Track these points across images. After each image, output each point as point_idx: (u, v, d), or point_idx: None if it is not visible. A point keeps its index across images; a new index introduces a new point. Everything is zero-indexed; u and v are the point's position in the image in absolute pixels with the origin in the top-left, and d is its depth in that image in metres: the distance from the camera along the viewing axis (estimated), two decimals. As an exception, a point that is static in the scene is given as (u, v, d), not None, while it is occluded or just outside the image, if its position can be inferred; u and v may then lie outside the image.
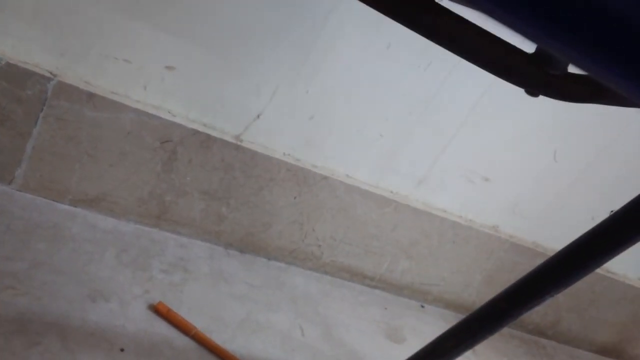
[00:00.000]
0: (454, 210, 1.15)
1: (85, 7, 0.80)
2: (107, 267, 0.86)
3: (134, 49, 0.85)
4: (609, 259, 0.65)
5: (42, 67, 0.83)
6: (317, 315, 1.02)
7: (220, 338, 0.85)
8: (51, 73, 0.83)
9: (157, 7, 0.83)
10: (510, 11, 0.22)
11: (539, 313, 1.30)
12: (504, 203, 1.16)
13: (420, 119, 1.02)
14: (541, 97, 0.52)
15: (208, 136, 0.93)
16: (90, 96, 0.85)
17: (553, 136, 1.10)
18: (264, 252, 1.07)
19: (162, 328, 0.82)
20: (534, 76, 0.48)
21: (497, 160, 1.10)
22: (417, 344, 0.90)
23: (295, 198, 1.03)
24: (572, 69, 0.48)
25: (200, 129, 0.93)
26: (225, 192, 0.99)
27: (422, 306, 1.21)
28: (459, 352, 0.79)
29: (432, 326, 1.16)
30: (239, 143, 0.96)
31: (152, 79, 0.88)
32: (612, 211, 0.65)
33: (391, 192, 1.09)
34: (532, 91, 0.51)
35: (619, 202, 0.65)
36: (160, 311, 0.83)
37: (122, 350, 0.76)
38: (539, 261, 0.74)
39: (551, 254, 0.72)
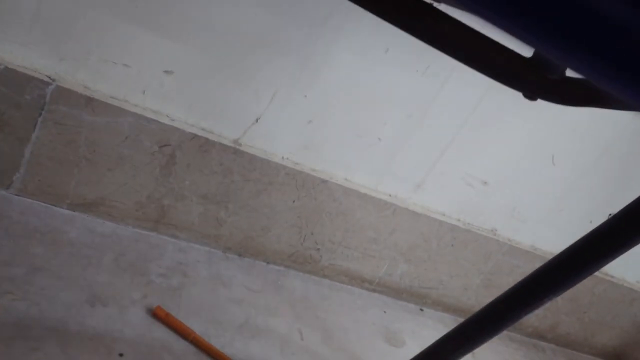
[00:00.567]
0: (453, 214, 1.15)
1: (84, 12, 0.81)
2: (105, 272, 0.86)
3: (132, 54, 0.85)
4: (608, 262, 0.65)
5: (41, 72, 0.83)
6: (316, 319, 1.02)
7: (219, 342, 0.85)
8: (50, 78, 0.83)
9: (156, 12, 0.83)
10: (508, 16, 0.22)
11: (538, 316, 1.30)
12: (503, 206, 1.17)
13: (419, 123, 1.02)
14: (539, 100, 0.52)
15: (207, 140, 0.93)
16: (89, 101, 0.85)
17: (551, 140, 1.11)
18: (263, 255, 1.07)
19: (161, 332, 0.82)
20: (532, 80, 0.48)
21: (495, 163, 1.11)
22: (416, 348, 0.90)
23: (294, 202, 1.03)
24: (569, 72, 0.48)
25: (199, 133, 0.93)
26: (224, 196, 0.99)
27: (421, 309, 1.21)
28: (459, 355, 0.79)
29: (431, 329, 1.16)
30: (237, 147, 0.96)
31: (151, 84, 0.88)
32: (610, 214, 0.65)
33: (390, 195, 1.09)
34: (530, 95, 0.51)
35: (617, 205, 0.65)
36: (158, 315, 0.83)
37: (120, 355, 0.76)
38: (537, 264, 0.74)
39: (550, 257, 0.72)
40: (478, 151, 1.09)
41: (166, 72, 0.88)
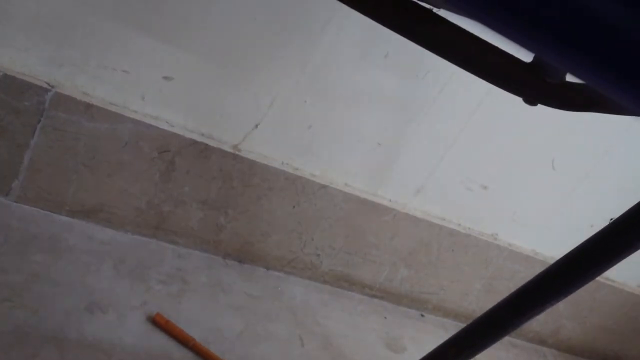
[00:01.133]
0: (453, 219, 1.15)
1: (83, 18, 0.81)
2: (104, 279, 0.86)
3: (132, 60, 0.85)
4: (609, 267, 0.65)
5: (40, 79, 0.83)
6: (317, 325, 1.01)
7: (219, 349, 0.84)
8: (49, 84, 0.83)
9: (155, 18, 0.83)
10: (507, 21, 0.22)
11: (540, 321, 1.29)
12: (503, 211, 1.16)
13: (418, 128, 1.02)
14: (539, 105, 0.52)
15: (206, 146, 0.93)
16: (88, 107, 0.85)
17: (551, 144, 1.10)
18: (263, 261, 1.07)
19: (161, 340, 0.82)
20: (532, 85, 0.48)
21: (495, 168, 1.11)
22: (417, 354, 0.90)
23: (294, 207, 1.03)
24: (569, 77, 0.48)
25: (199, 138, 0.92)
26: (224, 202, 0.99)
27: (422, 315, 1.21)
28: (460, 361, 0.78)
29: (432, 335, 1.15)
30: (237, 152, 0.95)
31: (150, 90, 0.88)
32: (611, 219, 0.65)
33: (390, 200, 1.09)
34: (530, 100, 0.51)
35: (618, 209, 0.65)
36: (158, 322, 0.83)
37: (120, 362, 0.75)
38: (538, 269, 0.74)
39: (550, 261, 0.72)
40: (478, 155, 1.08)
41: (165, 78, 0.88)
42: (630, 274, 1.32)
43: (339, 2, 0.47)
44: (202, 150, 0.93)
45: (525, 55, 0.45)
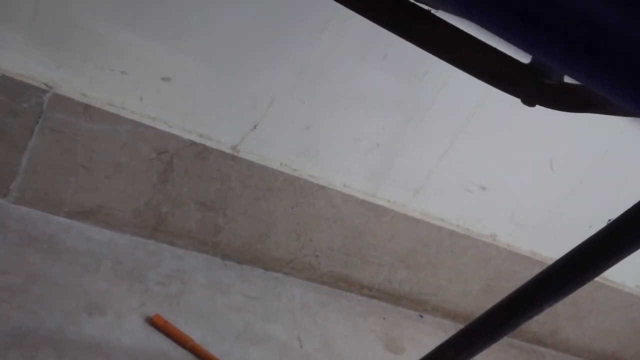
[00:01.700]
0: (452, 219, 1.15)
1: (81, 19, 0.80)
2: (102, 280, 0.86)
3: (130, 61, 0.85)
4: (608, 267, 0.65)
5: (38, 80, 0.83)
6: (315, 326, 1.01)
7: (217, 350, 0.84)
8: (47, 85, 0.83)
9: (153, 20, 0.83)
10: (506, 23, 0.22)
11: (538, 322, 1.29)
12: (502, 212, 1.16)
13: (417, 129, 1.02)
14: (537, 106, 0.52)
15: (204, 147, 0.93)
16: (86, 108, 0.85)
17: (550, 145, 1.11)
18: (261, 262, 1.06)
19: (159, 341, 0.81)
20: (530, 86, 0.48)
21: (494, 169, 1.11)
22: (416, 354, 0.90)
23: (292, 208, 1.03)
24: (567, 79, 0.48)
25: (197, 139, 0.92)
26: (222, 203, 0.99)
27: (421, 316, 1.21)
28: (458, 362, 0.78)
29: (431, 336, 1.15)
30: (235, 154, 0.95)
31: (149, 91, 0.88)
32: (609, 220, 0.65)
33: (388, 201, 1.09)
34: (529, 101, 0.51)
35: (616, 210, 0.65)
36: (156, 324, 0.83)
37: (118, 363, 0.75)
38: (537, 269, 0.74)
39: (549, 262, 0.72)
40: (476, 156, 1.09)
41: (163, 79, 0.88)
42: (629, 275, 1.32)
43: (337, 3, 0.47)
44: (200, 151, 0.93)
45: (523, 57, 0.45)
